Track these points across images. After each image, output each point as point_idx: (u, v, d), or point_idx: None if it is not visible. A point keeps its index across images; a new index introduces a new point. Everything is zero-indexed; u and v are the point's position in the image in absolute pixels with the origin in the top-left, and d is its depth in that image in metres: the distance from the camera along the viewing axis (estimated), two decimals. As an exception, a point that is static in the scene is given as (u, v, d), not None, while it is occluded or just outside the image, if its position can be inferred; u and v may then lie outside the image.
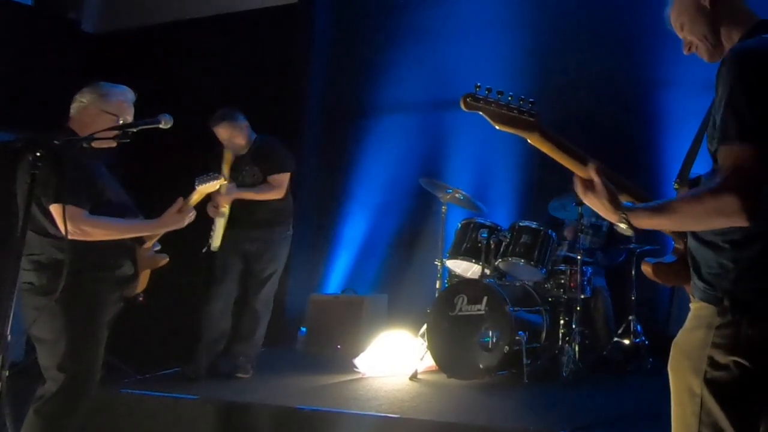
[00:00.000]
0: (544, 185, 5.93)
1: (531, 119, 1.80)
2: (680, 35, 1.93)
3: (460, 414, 3.78)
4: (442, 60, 6.55)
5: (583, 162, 1.81)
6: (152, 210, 3.12)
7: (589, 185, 1.77)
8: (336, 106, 7.00)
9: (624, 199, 1.77)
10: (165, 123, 2.86)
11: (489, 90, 1.78)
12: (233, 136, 4.67)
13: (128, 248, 2.99)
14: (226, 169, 4.49)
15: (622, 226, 1.72)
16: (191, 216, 3.10)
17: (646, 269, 1.85)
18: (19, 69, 6.39)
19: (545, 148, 1.83)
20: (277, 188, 4.71)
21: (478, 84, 1.78)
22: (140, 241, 3.07)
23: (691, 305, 1.76)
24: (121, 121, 2.95)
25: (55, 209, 2.72)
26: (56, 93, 6.66)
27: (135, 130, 2.90)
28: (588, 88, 5.84)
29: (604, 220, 5.30)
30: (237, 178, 4.66)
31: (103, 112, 2.96)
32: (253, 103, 4.91)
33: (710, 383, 1.63)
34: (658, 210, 1.68)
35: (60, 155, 2.65)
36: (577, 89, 5.62)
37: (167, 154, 4.90)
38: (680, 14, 1.89)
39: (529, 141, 1.83)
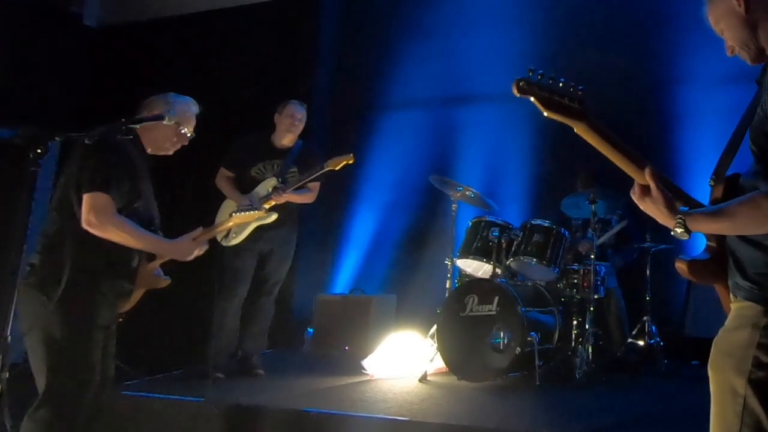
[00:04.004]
0: (556, 183, 5.88)
1: (579, 107, 1.78)
2: (722, 37, 1.92)
3: (471, 417, 3.72)
4: (452, 55, 6.51)
5: (636, 162, 1.81)
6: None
7: (645, 191, 1.79)
8: (344, 103, 6.95)
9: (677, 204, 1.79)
10: (169, 119, 2.88)
11: (542, 75, 1.75)
12: (302, 125, 4.81)
13: (131, 267, 2.92)
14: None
15: (678, 230, 1.73)
16: (203, 249, 3.09)
17: (681, 267, 1.82)
18: (21, 63, 6.38)
19: (591, 140, 1.82)
20: (314, 195, 4.84)
21: (531, 68, 1.75)
22: (150, 257, 3.02)
23: (733, 305, 1.75)
24: (182, 130, 3.01)
25: (87, 197, 2.70)
26: (58, 88, 6.68)
27: (138, 126, 2.91)
28: (602, 84, 5.72)
29: (614, 216, 5.30)
30: (281, 175, 4.70)
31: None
32: (259, 99, 4.88)
33: (755, 383, 1.63)
34: (716, 215, 1.70)
35: (112, 148, 2.73)
36: (590, 85, 5.50)
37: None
38: (718, 21, 1.88)
39: (575, 130, 1.81)
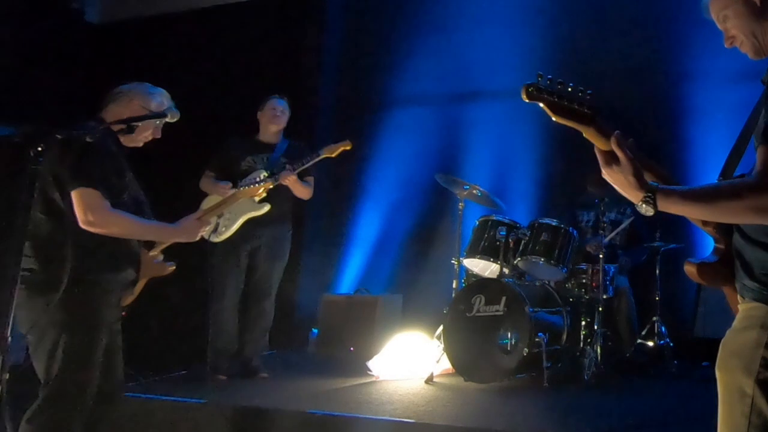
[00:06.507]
0: (564, 181, 5.85)
1: (588, 112, 1.74)
2: (721, 27, 1.85)
3: (478, 419, 3.69)
4: (459, 50, 6.47)
5: (654, 170, 1.78)
6: (155, 207, 3.02)
7: (612, 158, 1.70)
8: (348, 100, 6.92)
9: (648, 178, 1.72)
10: (171, 116, 2.85)
11: (550, 80, 1.72)
12: (285, 118, 4.74)
13: (134, 253, 2.88)
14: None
15: (645, 206, 1.66)
16: (208, 228, 3.02)
17: (690, 270, 1.79)
18: (21, 60, 6.36)
19: (601, 144, 1.75)
20: (311, 190, 4.73)
21: (540, 73, 1.72)
22: (148, 245, 2.98)
23: (740, 306, 1.73)
24: (158, 122, 2.94)
25: (76, 195, 2.64)
26: (59, 85, 6.65)
27: (140, 123, 2.86)
28: (611, 79, 5.72)
29: (624, 217, 5.24)
30: (269, 168, 4.58)
31: (146, 110, 2.91)
32: (263, 96, 4.83)
33: (763, 384, 1.62)
34: (693, 196, 1.65)
35: (93, 142, 2.62)
36: (599, 80, 5.49)
37: (172, 148, 4.83)
38: (725, 6, 1.81)
39: (584, 135, 1.76)
